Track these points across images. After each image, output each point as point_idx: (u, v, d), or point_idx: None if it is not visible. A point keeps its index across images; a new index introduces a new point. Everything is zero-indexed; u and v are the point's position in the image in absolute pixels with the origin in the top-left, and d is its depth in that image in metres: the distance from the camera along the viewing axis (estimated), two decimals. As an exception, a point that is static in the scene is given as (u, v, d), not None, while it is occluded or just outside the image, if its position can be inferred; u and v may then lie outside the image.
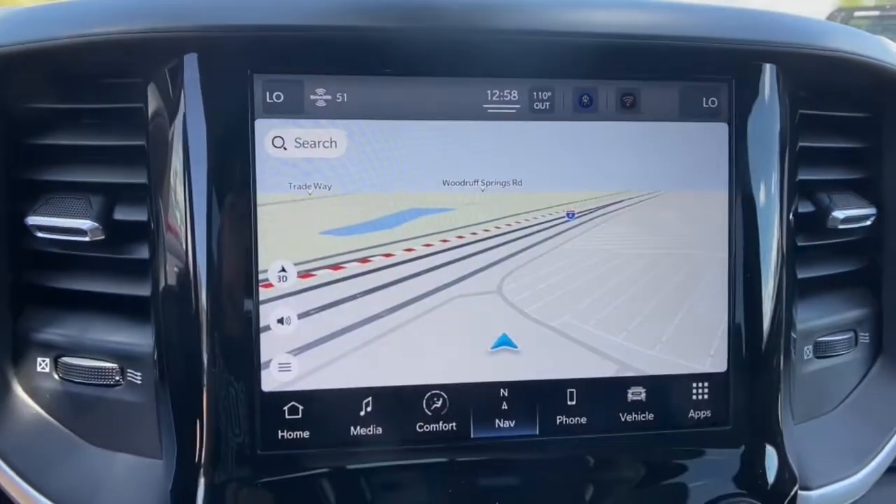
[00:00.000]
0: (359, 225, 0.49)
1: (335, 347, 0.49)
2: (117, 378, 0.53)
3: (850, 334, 0.63)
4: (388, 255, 0.49)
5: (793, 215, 0.56)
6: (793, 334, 0.57)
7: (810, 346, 0.61)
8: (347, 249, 0.49)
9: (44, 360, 0.54)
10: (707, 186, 0.52)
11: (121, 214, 0.52)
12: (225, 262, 0.48)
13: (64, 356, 0.53)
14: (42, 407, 0.54)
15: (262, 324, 0.48)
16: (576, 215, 0.51)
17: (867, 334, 0.65)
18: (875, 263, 0.66)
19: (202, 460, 0.48)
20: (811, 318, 0.61)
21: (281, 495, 0.48)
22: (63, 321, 0.54)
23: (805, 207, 0.60)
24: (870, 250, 0.66)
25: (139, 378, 0.52)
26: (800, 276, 0.59)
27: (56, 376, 0.53)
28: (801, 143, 0.58)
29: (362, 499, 0.49)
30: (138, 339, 0.52)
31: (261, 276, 0.48)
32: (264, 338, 0.48)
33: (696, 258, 0.52)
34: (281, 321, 0.48)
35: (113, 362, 0.52)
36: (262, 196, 0.48)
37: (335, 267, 0.48)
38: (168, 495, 0.49)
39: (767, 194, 0.53)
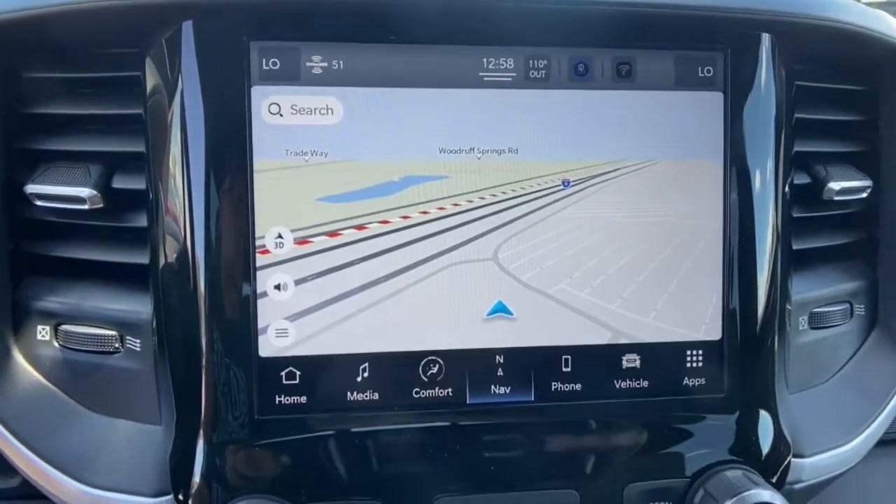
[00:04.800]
0: (355, 192, 0.49)
1: (332, 313, 0.49)
2: (116, 345, 0.53)
3: (846, 306, 0.63)
4: (384, 223, 0.49)
5: (788, 186, 0.56)
6: (787, 305, 0.57)
7: (805, 317, 0.61)
8: (344, 216, 0.49)
9: (44, 328, 0.54)
10: (702, 156, 0.53)
11: (119, 183, 0.52)
12: (222, 229, 0.48)
13: (64, 324, 0.54)
14: (42, 374, 0.54)
15: (259, 290, 0.48)
16: (571, 184, 0.51)
17: (862, 306, 0.65)
18: (871, 236, 0.66)
19: (200, 425, 0.49)
20: (806, 289, 0.61)
21: (278, 459, 0.49)
22: (63, 289, 0.54)
23: (801, 179, 0.60)
24: (866, 223, 0.66)
25: (138, 345, 0.53)
26: (795, 247, 0.59)
27: (56, 344, 0.54)
28: (797, 115, 0.58)
29: (359, 462, 0.50)
30: (137, 306, 0.52)
31: (258, 243, 0.48)
32: (261, 304, 0.48)
33: (691, 227, 0.53)
34: (278, 287, 0.49)
35: (112, 330, 0.53)
36: (259, 162, 0.48)
37: (332, 234, 0.49)
38: (167, 460, 0.50)
39: (763, 164, 0.54)
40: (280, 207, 0.48)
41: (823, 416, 0.60)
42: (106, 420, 0.54)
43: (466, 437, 0.51)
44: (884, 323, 0.65)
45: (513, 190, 0.50)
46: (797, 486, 0.56)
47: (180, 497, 0.49)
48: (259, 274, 0.48)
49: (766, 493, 0.49)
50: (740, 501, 0.49)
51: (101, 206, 0.52)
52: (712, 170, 0.53)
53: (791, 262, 0.57)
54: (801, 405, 0.59)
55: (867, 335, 0.66)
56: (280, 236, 0.48)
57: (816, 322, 0.62)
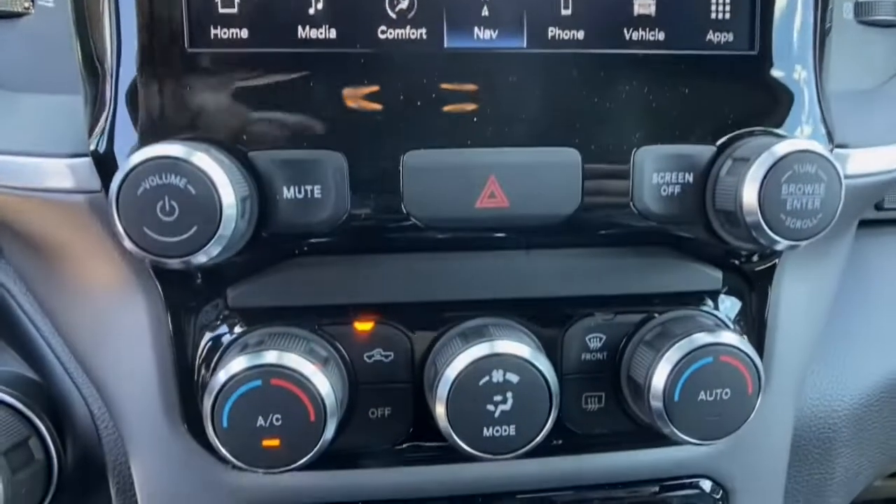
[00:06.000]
0: None
1: (276, -77, 0.40)
2: (26, 5, 0.45)
3: (898, 0, 0.54)
4: None
5: None
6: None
7: (850, 5, 0.52)
8: None
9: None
10: None
11: None
12: None
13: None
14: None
15: None
16: None
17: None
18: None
19: (121, 69, 0.40)
20: (851, -25, 0.52)
21: (214, 101, 0.40)
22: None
23: None
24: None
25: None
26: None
27: (-42, 12, 0.45)
28: None
29: (313, 109, 0.41)
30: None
31: None
32: None
33: None
34: None
35: (21, -16, 0.45)
36: None
37: None
38: (87, 123, 0.42)
39: None
40: None
41: (872, 115, 0.51)
42: (21, 97, 0.45)
43: (442, 86, 0.42)
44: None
45: None
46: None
47: (98, 149, 0.41)
48: None
49: (805, 143, 0.40)
50: (772, 155, 0.40)
51: None
52: None
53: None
54: (848, 103, 0.50)
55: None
56: None
57: (863, 14, 0.52)
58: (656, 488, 0.52)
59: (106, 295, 0.47)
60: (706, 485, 0.53)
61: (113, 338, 0.47)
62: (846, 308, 0.60)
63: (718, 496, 0.53)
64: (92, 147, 0.41)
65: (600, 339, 0.48)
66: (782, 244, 0.41)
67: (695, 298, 0.48)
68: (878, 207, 0.65)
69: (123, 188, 0.36)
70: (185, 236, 0.36)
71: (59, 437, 0.51)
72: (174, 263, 0.37)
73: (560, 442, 0.48)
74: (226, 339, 0.45)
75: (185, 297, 0.45)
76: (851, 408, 0.58)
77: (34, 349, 0.53)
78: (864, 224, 0.63)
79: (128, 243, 0.37)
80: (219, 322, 0.45)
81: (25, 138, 0.43)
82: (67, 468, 0.51)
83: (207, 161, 0.36)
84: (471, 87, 0.42)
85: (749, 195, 0.41)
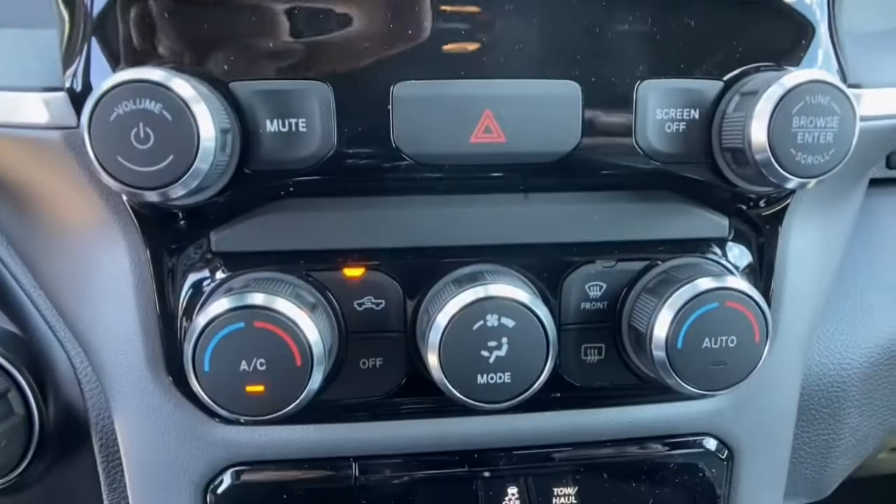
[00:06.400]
0: None
1: None
2: (-1, -65, 0.43)
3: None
4: None
5: None
6: None
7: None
8: None
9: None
10: None
11: None
12: None
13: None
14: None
15: None
16: None
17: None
18: None
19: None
20: None
21: (190, 26, 0.38)
22: None
23: None
24: None
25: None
26: None
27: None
28: None
29: (295, 36, 0.39)
30: None
31: None
32: None
33: None
34: None
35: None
36: None
37: None
38: (61, 55, 0.40)
39: None
40: None
41: (887, 56, 0.48)
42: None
43: (435, 12, 0.39)
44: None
45: None
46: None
47: (74, 82, 0.39)
48: None
49: (817, 73, 0.38)
50: (781, 86, 0.38)
51: None
52: None
53: None
54: (862, 43, 0.47)
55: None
56: None
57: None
58: (659, 446, 0.50)
59: (86, 241, 0.45)
60: (711, 444, 0.51)
61: (94, 286, 0.46)
62: (856, 266, 0.58)
63: (724, 456, 0.51)
64: (67, 80, 0.39)
65: (600, 287, 0.46)
66: (793, 182, 0.39)
67: (700, 246, 0.46)
68: (890, 166, 0.63)
69: (96, 113, 0.34)
70: (160, 166, 0.34)
71: (41, 393, 0.49)
72: (151, 196, 0.35)
73: (558, 395, 0.47)
74: (209, 284, 0.43)
75: (167, 241, 0.43)
76: (861, 366, 0.56)
77: (15, 303, 0.51)
78: (875, 183, 0.61)
79: (102, 175, 0.35)
80: (202, 267, 0.43)
81: (-1, 73, 0.41)
82: (49, 424, 0.49)
83: (185, 87, 0.34)
84: (465, 13, 0.40)
85: (758, 130, 0.39)
